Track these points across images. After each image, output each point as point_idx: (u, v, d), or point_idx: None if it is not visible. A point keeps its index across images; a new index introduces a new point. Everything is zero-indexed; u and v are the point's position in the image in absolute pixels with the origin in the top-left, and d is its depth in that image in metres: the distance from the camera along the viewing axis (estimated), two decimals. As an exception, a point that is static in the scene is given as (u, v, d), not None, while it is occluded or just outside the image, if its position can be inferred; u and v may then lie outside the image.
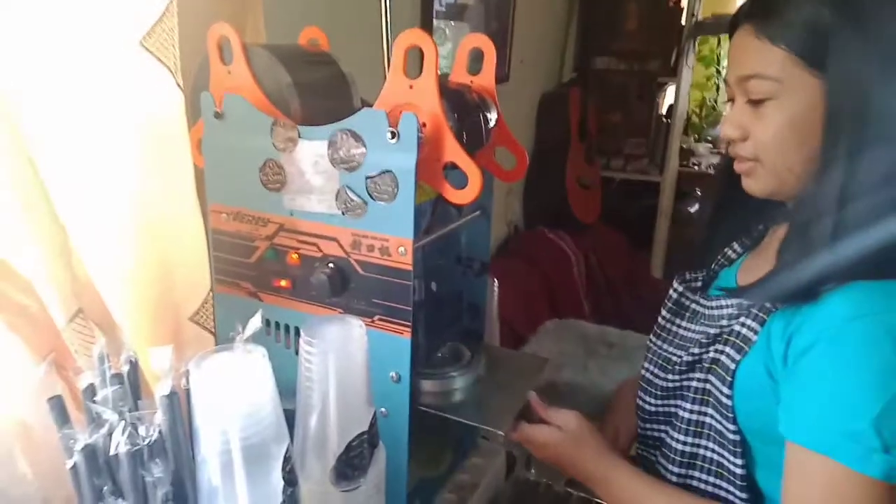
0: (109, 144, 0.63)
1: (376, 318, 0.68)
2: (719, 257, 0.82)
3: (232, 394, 0.48)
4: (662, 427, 0.79)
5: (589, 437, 0.77)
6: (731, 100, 0.70)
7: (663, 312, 0.83)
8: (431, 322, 0.78)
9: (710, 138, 3.64)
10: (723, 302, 0.73)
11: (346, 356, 0.56)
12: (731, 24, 0.69)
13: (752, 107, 0.67)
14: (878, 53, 0.59)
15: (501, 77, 1.91)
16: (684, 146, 3.22)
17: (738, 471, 0.68)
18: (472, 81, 0.77)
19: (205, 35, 0.71)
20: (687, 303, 0.81)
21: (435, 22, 1.78)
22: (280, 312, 0.74)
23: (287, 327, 0.75)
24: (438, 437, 0.86)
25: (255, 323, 0.51)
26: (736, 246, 0.82)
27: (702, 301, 0.78)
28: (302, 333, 0.55)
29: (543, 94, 2.48)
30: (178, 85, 0.69)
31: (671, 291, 0.84)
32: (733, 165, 0.72)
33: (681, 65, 2.65)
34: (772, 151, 0.66)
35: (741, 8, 0.69)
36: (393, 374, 0.69)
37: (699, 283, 0.82)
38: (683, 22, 2.65)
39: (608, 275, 2.49)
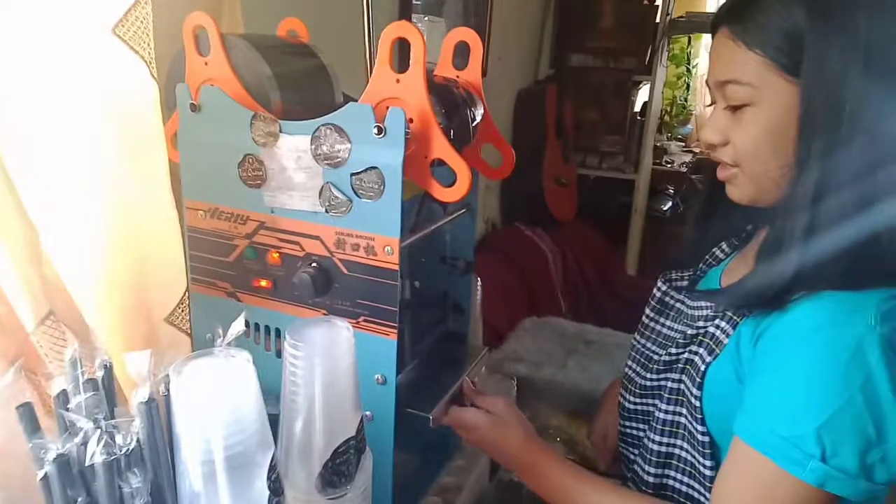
0: (79, 137, 0.60)
1: (361, 319, 0.67)
2: (707, 256, 0.82)
3: (215, 400, 0.46)
4: (641, 426, 0.79)
5: (516, 423, 0.77)
6: (714, 103, 0.70)
7: (647, 311, 0.83)
8: (415, 323, 0.76)
9: (680, 136, 3.69)
10: (702, 303, 0.73)
11: (333, 360, 0.54)
12: (711, 26, 0.69)
13: (731, 112, 0.66)
14: (852, 58, 0.59)
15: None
16: (657, 144, 3.25)
17: (708, 472, 0.68)
18: (458, 76, 0.75)
19: (180, 25, 0.68)
20: (671, 301, 0.81)
21: (414, 16, 1.75)
22: (260, 313, 0.72)
23: (268, 329, 0.72)
24: (421, 439, 0.85)
25: (239, 326, 0.49)
26: (724, 246, 0.82)
27: (686, 301, 0.78)
28: (287, 336, 0.53)
29: (520, 91, 2.47)
30: (153, 76, 0.66)
31: (655, 290, 0.84)
32: (717, 170, 0.72)
33: (655, 63, 2.67)
34: (751, 158, 0.66)
35: (719, 10, 0.68)
36: (378, 376, 0.67)
37: (685, 282, 0.82)
38: (658, 20, 2.67)
39: (584, 272, 2.50)
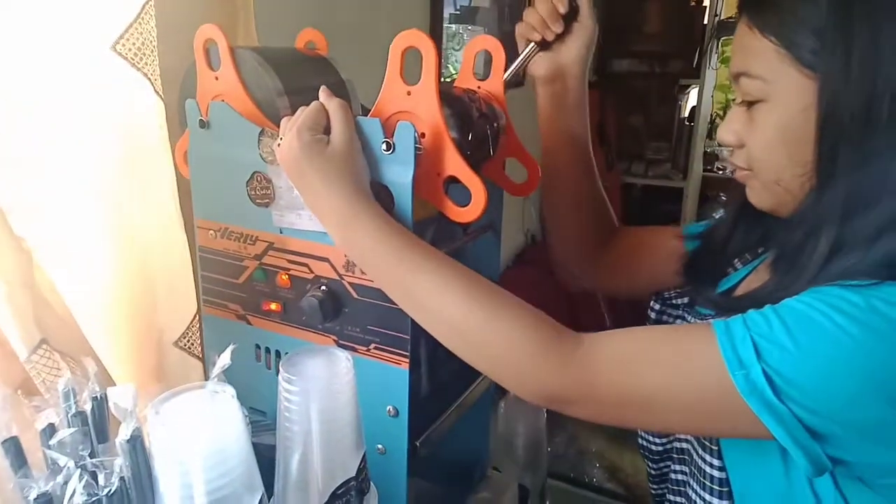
0: (81, 157, 0.59)
1: (372, 346, 0.63)
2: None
3: (195, 440, 0.43)
4: (683, 460, 0.71)
5: (359, 155, 0.58)
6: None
7: None
8: (433, 351, 0.72)
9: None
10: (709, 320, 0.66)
11: (331, 395, 0.50)
12: (737, 15, 0.62)
13: (746, 110, 0.59)
14: (880, 54, 0.51)
15: (517, 82, 1.85)
16: (708, 150, 3.12)
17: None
18: (479, 87, 0.71)
19: (192, 39, 0.66)
20: (669, 321, 0.74)
21: (454, 26, 1.72)
22: (270, 337, 0.69)
23: (278, 353, 0.69)
24: (441, 470, 0.80)
25: (225, 360, 0.46)
26: (737, 263, 0.74)
27: (688, 318, 0.71)
28: (281, 369, 0.49)
29: (561, 98, 2.41)
30: (157, 92, 0.64)
31: (649, 311, 0.77)
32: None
33: (703, 66, 2.56)
34: (763, 163, 0.59)
35: None
36: (390, 408, 0.63)
37: (684, 300, 0.75)
38: (706, 21, 2.56)
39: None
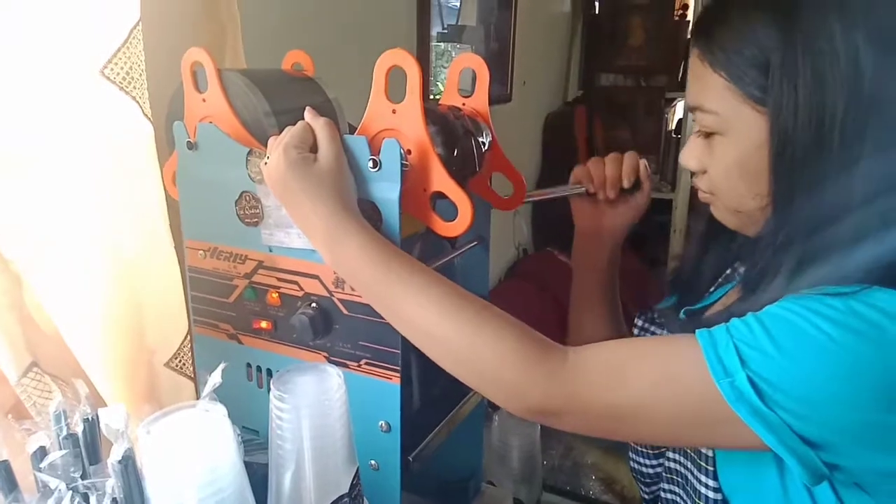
0: (70, 180, 0.59)
1: (363, 362, 0.63)
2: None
3: (187, 460, 0.43)
4: (675, 481, 0.71)
5: (347, 172, 0.58)
6: None
7: None
8: (424, 365, 0.72)
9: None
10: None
11: (322, 412, 0.50)
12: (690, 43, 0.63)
13: (705, 139, 0.61)
14: (826, 87, 0.51)
15: (503, 98, 1.87)
16: (695, 162, 3.15)
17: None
18: (464, 104, 0.72)
19: (180, 62, 0.67)
20: (656, 333, 0.75)
21: (442, 45, 1.74)
22: (261, 356, 0.69)
23: (270, 372, 0.69)
24: (435, 484, 0.80)
25: (216, 379, 0.46)
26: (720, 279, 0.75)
27: (664, 333, 0.72)
28: (272, 386, 0.50)
29: (548, 114, 2.43)
30: (146, 116, 0.65)
31: (633, 328, 0.78)
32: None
33: (689, 79, 2.60)
34: (724, 189, 0.61)
35: (692, 25, 0.62)
36: (382, 423, 0.63)
37: (662, 320, 0.75)
38: (689, 35, 2.60)
39: (622, 297, 2.42)
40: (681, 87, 2.62)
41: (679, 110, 2.81)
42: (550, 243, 2.36)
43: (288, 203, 0.58)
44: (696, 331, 0.52)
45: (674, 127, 2.82)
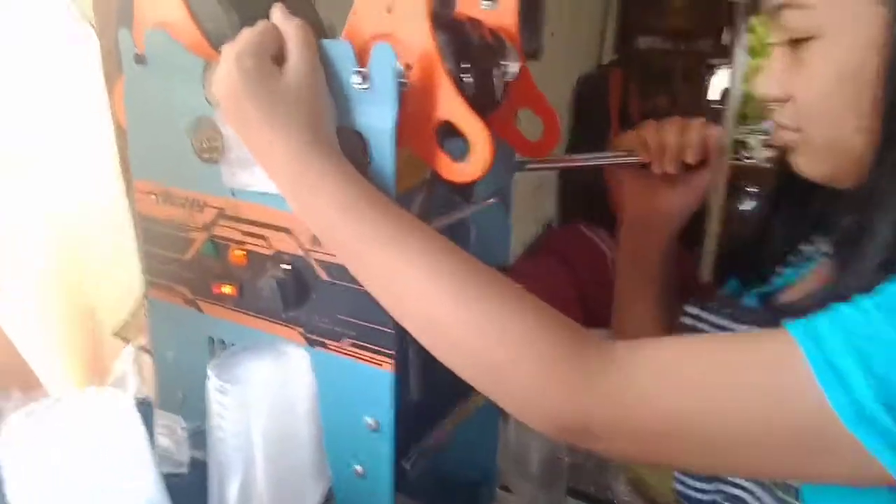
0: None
1: (346, 342, 0.49)
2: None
3: (69, 463, 0.30)
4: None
5: (318, 91, 0.44)
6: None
7: None
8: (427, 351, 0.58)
9: (763, 132, 3.35)
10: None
11: (282, 408, 0.37)
12: None
13: (792, 51, 0.47)
14: None
15: (531, 52, 1.70)
16: (736, 138, 2.96)
17: None
18: (485, 18, 0.57)
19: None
20: (708, 329, 0.60)
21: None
22: (224, 327, 0.56)
23: (234, 347, 0.56)
24: (439, 490, 0.67)
25: (125, 367, 0.33)
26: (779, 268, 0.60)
27: (731, 326, 0.58)
28: (209, 372, 0.36)
29: (580, 77, 2.26)
30: (90, 23, 0.51)
31: (682, 318, 0.63)
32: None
33: (735, 45, 2.40)
34: (815, 118, 0.47)
35: None
36: (370, 420, 0.49)
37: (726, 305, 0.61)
38: (738, -4, 2.40)
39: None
40: (724, 52, 2.43)
41: (722, 79, 2.62)
42: (578, 217, 2.20)
43: (242, 131, 0.44)
44: (788, 326, 0.38)
45: (718, 97, 2.63)
